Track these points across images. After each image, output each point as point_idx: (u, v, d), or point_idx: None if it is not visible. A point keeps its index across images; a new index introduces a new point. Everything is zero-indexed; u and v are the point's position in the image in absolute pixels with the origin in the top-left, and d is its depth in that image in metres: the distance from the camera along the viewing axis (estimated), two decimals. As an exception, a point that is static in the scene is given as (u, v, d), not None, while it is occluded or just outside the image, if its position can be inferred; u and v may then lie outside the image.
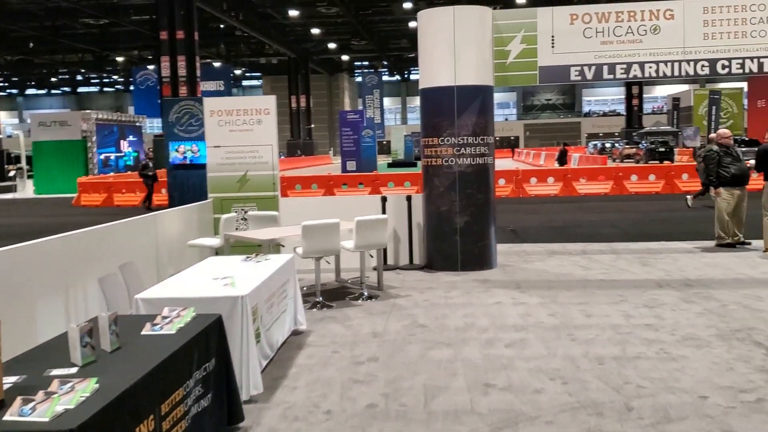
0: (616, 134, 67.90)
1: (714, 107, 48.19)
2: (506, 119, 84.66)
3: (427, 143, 8.91)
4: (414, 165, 39.64)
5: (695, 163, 18.24)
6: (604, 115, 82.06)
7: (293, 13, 46.53)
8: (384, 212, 8.92)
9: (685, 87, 69.22)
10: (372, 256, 8.09)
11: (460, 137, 8.63)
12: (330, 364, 5.25)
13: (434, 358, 5.30)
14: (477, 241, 8.74)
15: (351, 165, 31.61)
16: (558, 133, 76.40)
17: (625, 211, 15.99)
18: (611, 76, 8.67)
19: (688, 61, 8.59)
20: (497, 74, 8.85)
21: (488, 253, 8.87)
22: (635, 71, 8.66)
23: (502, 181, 20.85)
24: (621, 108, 78.54)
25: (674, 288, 7.45)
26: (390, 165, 42.55)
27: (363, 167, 30.62)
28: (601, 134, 73.57)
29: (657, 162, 37.93)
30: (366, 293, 7.42)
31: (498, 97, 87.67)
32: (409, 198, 9.16)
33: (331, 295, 7.56)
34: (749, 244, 10.02)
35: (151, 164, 21.03)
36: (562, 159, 29.91)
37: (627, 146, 45.71)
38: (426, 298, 7.34)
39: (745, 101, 44.86)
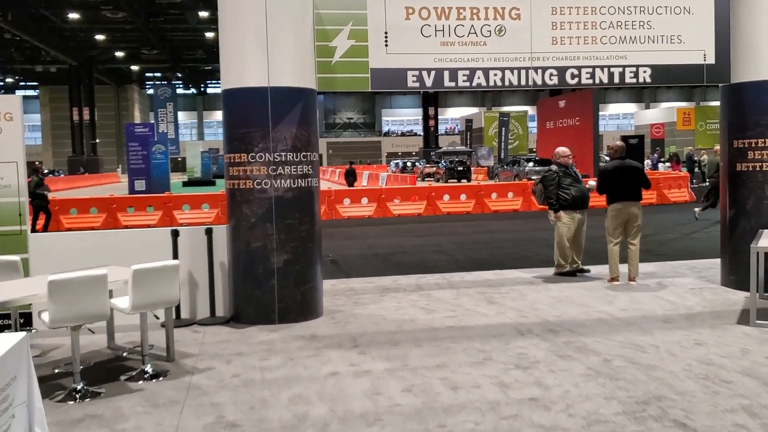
0: (414, 153, 69.84)
1: (503, 128, 50.85)
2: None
3: (232, 160, 6.96)
4: (213, 184, 36.93)
5: (505, 181, 17.96)
6: (402, 134, 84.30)
7: (74, 16, 41.74)
8: (175, 253, 6.81)
9: (475, 110, 73.10)
10: (157, 318, 5.94)
11: (277, 153, 6.80)
12: None
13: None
14: (300, 284, 6.93)
15: (140, 184, 28.26)
16: (359, 152, 77.15)
17: (444, 233, 15.06)
18: (453, 84, 7.35)
19: (535, 69, 7.51)
20: (321, 75, 7.15)
21: (314, 298, 7.09)
22: (479, 79, 7.41)
23: (311, 202, 19.21)
24: (417, 128, 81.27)
25: (538, 336, 6.19)
26: (186, 184, 39.42)
27: (154, 187, 27.47)
28: (400, 153, 75.40)
29: (455, 180, 38.85)
30: (149, 369, 5.29)
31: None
32: (209, 231, 7.11)
33: (99, 374, 5.33)
34: (588, 271, 9.24)
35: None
36: (350, 178, 28.59)
37: (427, 165, 46.57)
38: (235, 372, 5.37)
39: (535, 123, 47.65)
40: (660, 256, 10.70)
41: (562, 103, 35.19)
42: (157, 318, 5.92)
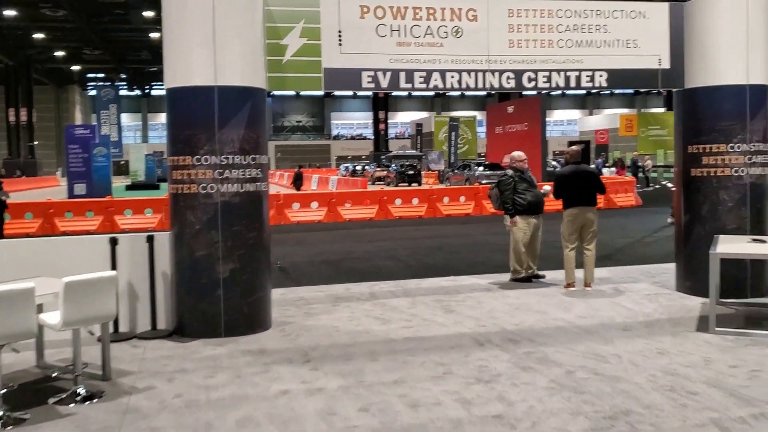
0: (364, 157, 69.65)
1: (453, 133, 51.09)
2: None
3: (176, 163, 6.55)
4: (157, 188, 35.92)
5: (460, 185, 17.85)
6: (352, 138, 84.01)
7: (9, 13, 40.11)
8: (114, 263, 6.36)
9: (425, 114, 73.38)
10: (92, 333, 5.49)
11: (224, 156, 6.42)
12: None
13: None
14: (247, 294, 6.57)
15: (80, 188, 27.20)
16: (308, 155, 76.52)
17: (397, 238, 14.82)
18: (409, 85, 7.09)
19: (492, 72, 7.32)
20: (272, 75, 6.81)
21: (262, 309, 6.73)
22: (436, 81, 7.18)
23: (260, 207, 18.75)
24: (367, 132, 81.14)
25: (498, 346, 5.97)
26: (129, 188, 38.29)
27: (95, 190, 26.48)
28: (349, 157, 75.09)
29: (406, 184, 38.78)
30: (82, 390, 4.86)
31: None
32: (150, 239, 6.68)
33: (24, 397, 4.87)
34: (543, 276, 9.11)
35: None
36: (298, 182, 28.00)
37: (378, 169, 46.40)
38: (178, 392, 4.99)
39: (484, 128, 48.00)
40: (613, 260, 10.67)
41: (510, 109, 35.40)
42: (92, 334, 5.48)
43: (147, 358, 5.83)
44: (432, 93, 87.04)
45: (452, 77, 7.20)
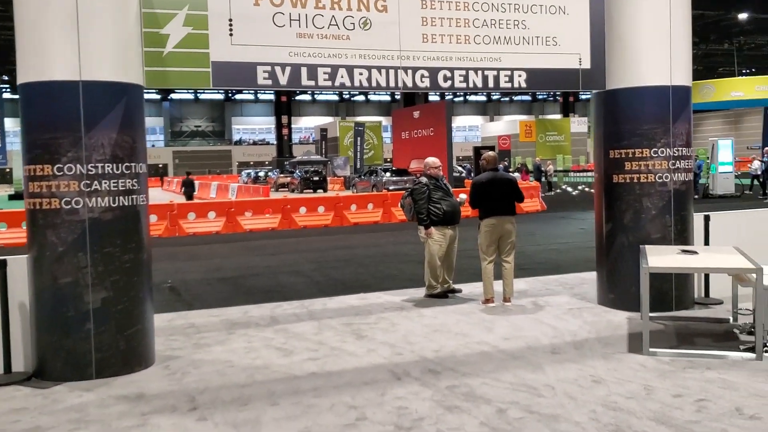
0: (267, 163, 68.06)
1: (359, 138, 50.56)
2: (153, 145, 79.92)
3: (32, 173, 5.46)
4: (42, 197, 33.33)
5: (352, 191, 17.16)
6: (255, 143, 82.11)
7: None
8: (-51, 294, 5.20)
9: (330, 119, 72.55)
10: None
11: (92, 164, 5.39)
12: None
13: None
14: (123, 327, 5.55)
15: (-49, 198, 24.69)
16: (209, 161, 74.28)
17: (301, 250, 13.92)
18: (312, 82, 6.28)
19: (405, 69, 6.61)
20: (151, 69, 5.83)
21: (143, 343, 5.72)
22: (342, 78, 6.40)
23: (153, 218, 17.39)
24: (270, 137, 79.43)
25: (418, 380, 5.24)
26: (12, 197, 35.52)
27: (-31, 201, 24.10)
28: (252, 163, 73.38)
29: (311, 191, 37.85)
30: None
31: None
32: (2, 265, 5.54)
33: None
34: (460, 291, 8.52)
35: None
36: (188, 190, 26.18)
37: (282, 175, 45.26)
38: (26, 462, 3.96)
39: (389, 133, 47.72)
40: (528, 271, 10.22)
41: (416, 114, 35.19)
42: None
43: (-8, 414, 4.73)
44: (337, 98, 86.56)
45: (360, 74, 6.44)
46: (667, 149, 7.09)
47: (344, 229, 18.35)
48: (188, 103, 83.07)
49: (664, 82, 7.03)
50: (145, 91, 5.86)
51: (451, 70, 6.77)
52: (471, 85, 6.82)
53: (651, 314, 6.71)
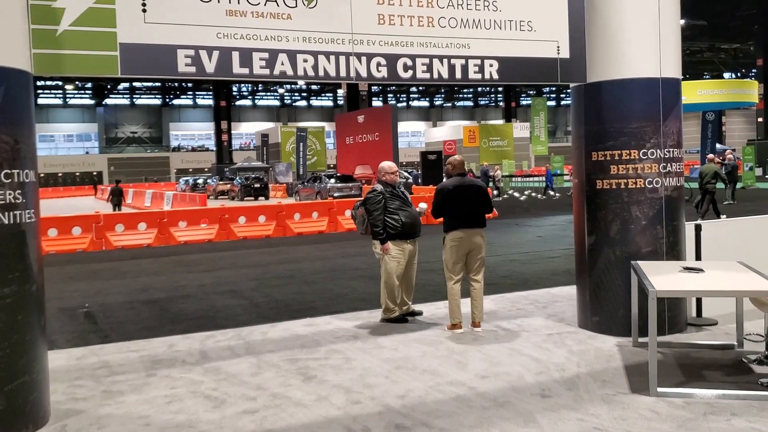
0: (206, 170, 65.95)
1: (301, 144, 49.19)
2: (87, 152, 76.89)
3: None
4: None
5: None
6: (194, 150, 79.75)
7: None
8: None
9: (271, 125, 70.93)
10: None
11: (-52, 172, 4.13)
12: None
13: None
14: (4, 381, 4.29)
15: None
16: (146, 168, 71.78)
17: (240, 265, 12.66)
18: (246, 71, 5.14)
19: (359, 56, 5.54)
20: (40, 51, 4.59)
21: (30, 400, 4.46)
22: (283, 65, 5.28)
23: (77, 230, 15.85)
24: (209, 143, 77.15)
25: (382, 439, 4.17)
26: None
27: None
28: (191, 170, 71.22)
29: (252, 198, 36.41)
30: None
31: (75, 128, 78.51)
32: None
33: None
34: (420, 313, 7.50)
35: None
36: (116, 199, 24.56)
37: (221, 182, 43.65)
38: None
39: (332, 139, 46.57)
40: (492, 286, 9.23)
41: (360, 118, 34.22)
42: None
43: None
44: (278, 103, 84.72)
45: (305, 61, 5.34)
46: (658, 150, 6.22)
47: (287, 240, 17.13)
48: (124, 108, 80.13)
49: (653, 73, 6.15)
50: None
51: (413, 57, 5.73)
52: (436, 75, 5.79)
53: (642, 340, 5.83)
